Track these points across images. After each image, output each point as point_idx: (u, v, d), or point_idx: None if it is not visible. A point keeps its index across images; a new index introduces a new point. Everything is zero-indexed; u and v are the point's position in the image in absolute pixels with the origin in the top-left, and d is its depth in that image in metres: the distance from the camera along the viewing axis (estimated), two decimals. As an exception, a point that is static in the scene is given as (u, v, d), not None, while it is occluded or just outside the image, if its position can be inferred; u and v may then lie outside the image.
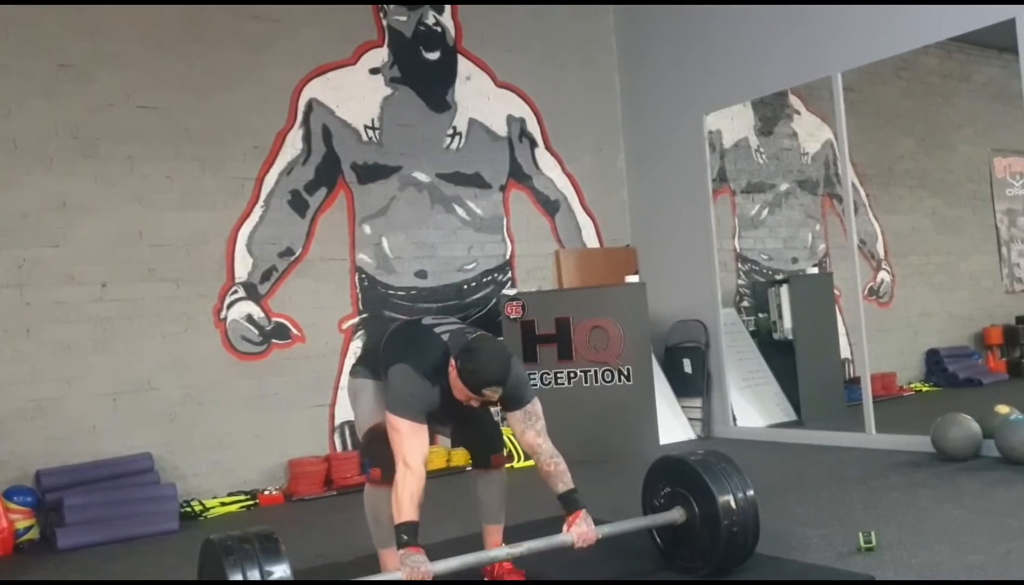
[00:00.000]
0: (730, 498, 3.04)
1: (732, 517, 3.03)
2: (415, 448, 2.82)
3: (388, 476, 2.91)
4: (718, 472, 3.11)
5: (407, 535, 2.73)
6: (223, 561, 2.46)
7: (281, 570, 2.48)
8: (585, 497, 3.10)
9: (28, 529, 4.58)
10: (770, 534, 3.62)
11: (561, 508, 3.04)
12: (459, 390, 2.87)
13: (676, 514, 3.14)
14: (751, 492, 3.09)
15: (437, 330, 3.06)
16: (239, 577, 2.42)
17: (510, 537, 3.21)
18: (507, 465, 3.33)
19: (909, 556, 3.19)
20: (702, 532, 3.08)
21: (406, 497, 2.75)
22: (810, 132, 7.45)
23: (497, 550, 2.99)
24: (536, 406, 3.06)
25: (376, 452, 3.08)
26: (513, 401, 3.02)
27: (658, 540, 3.29)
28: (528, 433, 3.03)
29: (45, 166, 4.98)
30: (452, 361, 2.88)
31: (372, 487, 3.18)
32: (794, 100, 7.38)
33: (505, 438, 3.30)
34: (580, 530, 2.93)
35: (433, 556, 2.77)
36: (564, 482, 3.02)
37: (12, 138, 4.91)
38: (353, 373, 3.28)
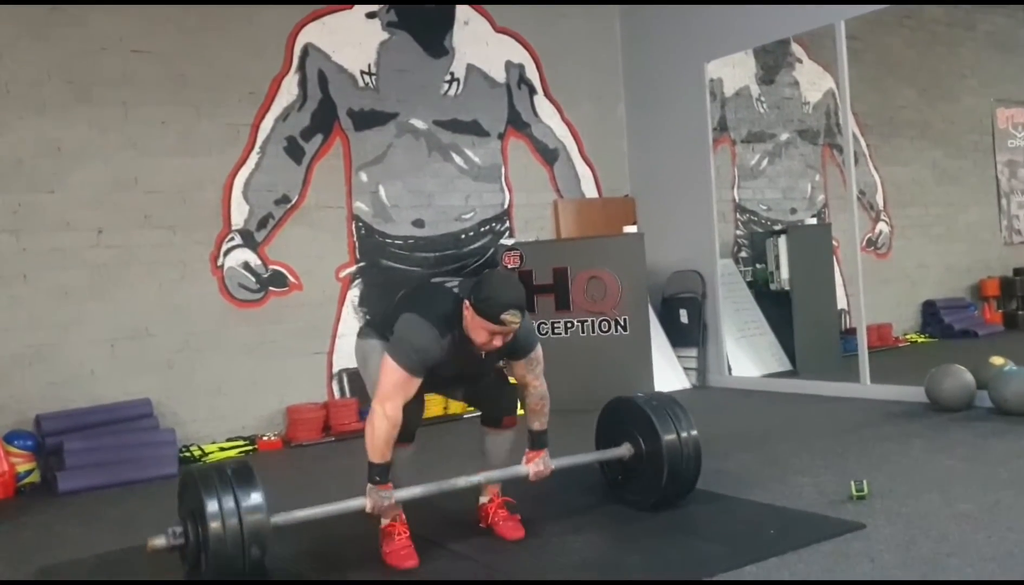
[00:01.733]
0: (674, 436, 3.28)
1: (675, 453, 3.26)
2: (398, 397, 2.88)
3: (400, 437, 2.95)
4: (664, 413, 3.34)
5: (379, 476, 2.91)
6: (199, 487, 2.60)
7: (255, 497, 2.61)
8: (573, 442, 3.32)
9: (29, 472, 4.63)
10: (763, 482, 3.68)
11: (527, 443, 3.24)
12: (477, 330, 2.84)
13: (624, 450, 3.39)
14: (695, 432, 3.33)
15: (448, 285, 3.11)
16: (215, 503, 2.56)
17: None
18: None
19: (900, 504, 3.24)
20: (647, 467, 3.33)
21: (383, 441, 2.88)
22: (812, 81, 7.36)
23: (457, 479, 3.14)
24: (539, 352, 3.17)
25: None
26: (521, 350, 3.09)
27: (607, 474, 3.55)
28: (528, 375, 3.17)
29: (38, 111, 4.92)
30: (466, 303, 2.87)
31: None
32: (796, 48, 7.28)
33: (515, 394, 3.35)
34: (537, 468, 3.19)
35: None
36: (540, 422, 3.22)
37: (4, 82, 4.84)
38: (361, 334, 3.28)
